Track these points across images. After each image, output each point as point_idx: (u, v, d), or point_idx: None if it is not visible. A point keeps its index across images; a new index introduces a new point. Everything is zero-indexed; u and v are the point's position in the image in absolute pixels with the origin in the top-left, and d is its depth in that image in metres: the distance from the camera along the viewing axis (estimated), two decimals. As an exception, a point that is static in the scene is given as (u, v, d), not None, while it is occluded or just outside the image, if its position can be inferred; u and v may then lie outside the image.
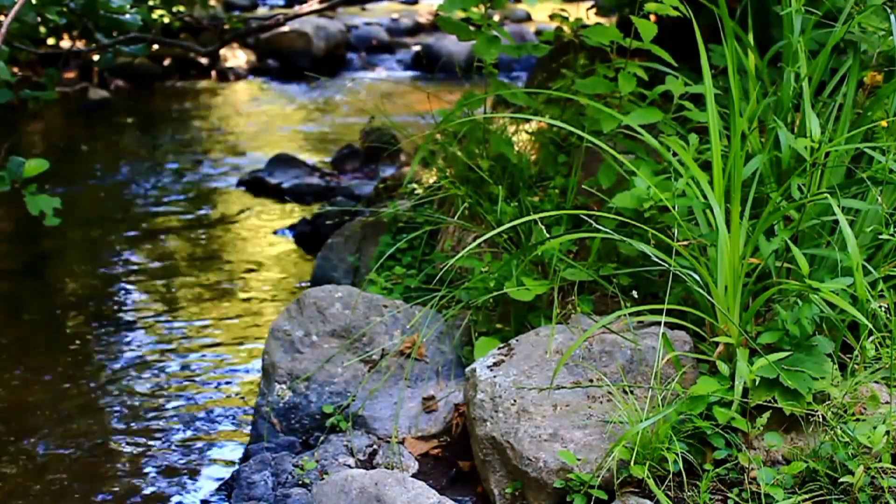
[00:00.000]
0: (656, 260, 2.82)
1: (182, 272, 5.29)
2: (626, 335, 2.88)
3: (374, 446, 3.11)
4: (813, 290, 2.61)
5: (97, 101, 8.90)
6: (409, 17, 12.65)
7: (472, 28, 3.81)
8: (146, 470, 3.46)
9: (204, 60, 10.37)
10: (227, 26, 7.98)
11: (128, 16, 5.26)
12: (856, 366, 2.62)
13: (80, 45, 6.18)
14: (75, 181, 6.78)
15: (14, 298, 4.92)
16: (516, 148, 3.92)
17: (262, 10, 12.44)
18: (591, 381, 2.79)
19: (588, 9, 4.96)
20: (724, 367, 2.62)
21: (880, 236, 2.80)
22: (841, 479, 2.40)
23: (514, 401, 2.75)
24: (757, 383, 2.57)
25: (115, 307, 4.82)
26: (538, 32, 5.96)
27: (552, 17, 4.27)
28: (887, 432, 2.38)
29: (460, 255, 2.98)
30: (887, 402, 2.54)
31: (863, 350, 2.61)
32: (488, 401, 2.79)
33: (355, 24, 11.83)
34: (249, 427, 3.44)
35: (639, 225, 2.95)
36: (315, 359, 3.33)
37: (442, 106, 4.04)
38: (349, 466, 3.03)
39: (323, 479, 2.93)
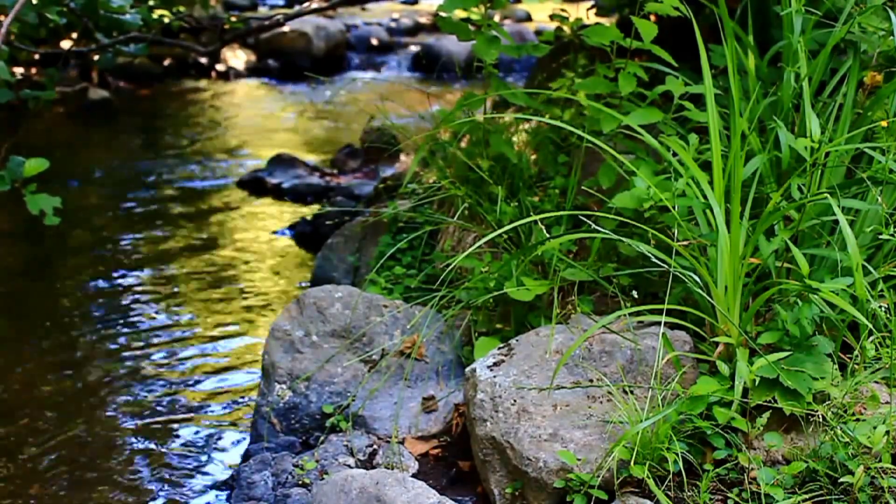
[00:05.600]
0: (656, 260, 2.82)
1: (181, 272, 5.29)
2: (626, 335, 2.88)
3: (374, 446, 3.11)
4: (813, 290, 2.61)
5: (97, 101, 8.90)
6: (409, 17, 12.65)
7: (472, 28, 3.81)
8: (146, 470, 3.46)
9: (204, 60, 10.37)
10: (227, 26, 7.97)
11: (128, 16, 5.26)
12: (856, 366, 2.62)
13: (80, 45, 6.18)
14: (75, 181, 6.78)
15: (14, 298, 4.92)
16: (516, 148, 3.92)
17: (262, 10, 12.44)
18: (591, 381, 2.79)
19: (588, 9, 4.95)
20: (724, 367, 2.62)
21: (880, 236, 2.80)
22: (841, 479, 2.41)
23: (514, 401, 2.75)
24: (757, 383, 2.57)
25: (115, 307, 4.82)
26: (538, 32, 5.96)
27: (552, 17, 4.27)
28: (887, 432, 2.38)
29: (461, 255, 2.98)
30: (887, 402, 2.54)
31: (863, 350, 2.61)
32: (488, 401, 2.79)
33: (355, 24, 11.83)
34: (249, 427, 3.44)
35: (639, 225, 2.95)
36: (315, 359, 3.33)
37: (442, 106, 4.04)
38: (349, 466, 3.03)
39: (323, 479, 2.94)
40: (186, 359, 4.30)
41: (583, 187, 3.44)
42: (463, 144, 3.96)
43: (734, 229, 2.74)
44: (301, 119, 8.91)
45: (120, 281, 5.14)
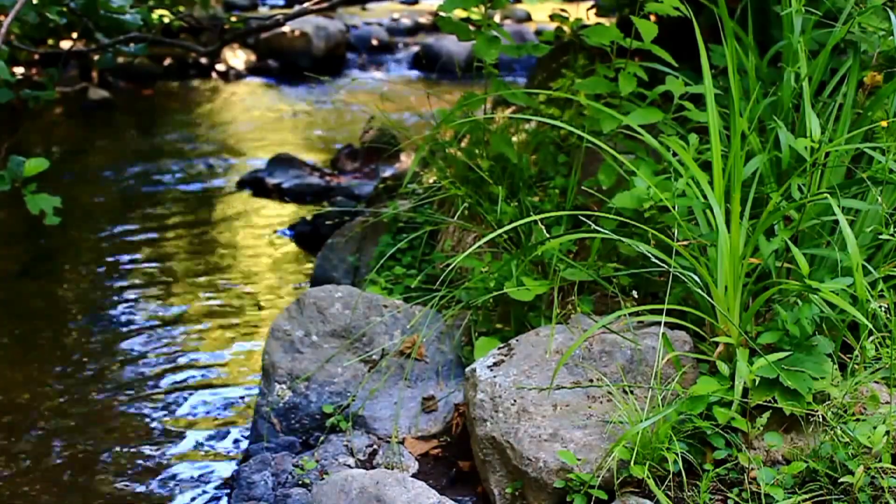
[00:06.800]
0: (656, 260, 2.82)
1: (182, 272, 5.29)
2: (626, 335, 2.88)
3: (374, 446, 3.11)
4: (813, 290, 2.61)
5: (97, 101, 8.90)
6: (409, 17, 12.65)
7: (472, 28, 3.81)
8: (146, 470, 3.46)
9: (204, 60, 10.37)
10: (227, 26, 7.98)
11: (128, 16, 5.26)
12: (856, 366, 2.62)
13: (80, 45, 6.18)
14: (75, 181, 6.78)
15: (14, 298, 4.92)
16: (516, 148, 3.92)
17: (262, 10, 12.44)
18: (591, 381, 2.79)
19: (588, 9, 4.95)
20: (724, 367, 2.62)
21: (880, 236, 2.80)
22: (841, 479, 2.41)
23: (514, 401, 2.75)
24: (757, 383, 2.57)
25: (115, 307, 4.82)
26: (538, 32, 5.96)
27: (552, 17, 4.27)
28: (887, 432, 2.38)
29: (461, 255, 2.98)
30: (887, 402, 2.54)
31: (863, 350, 2.61)
32: (488, 401, 2.79)
33: (355, 24, 11.83)
34: (249, 427, 3.44)
35: (639, 225, 2.95)
36: (315, 359, 3.33)
37: (442, 106, 4.04)
38: (349, 466, 3.03)
39: (323, 479, 2.93)
40: (186, 358, 4.30)
41: (583, 187, 3.44)
42: (463, 144, 3.96)
43: (734, 229, 2.74)
44: (301, 119, 8.91)
45: (119, 281, 5.15)
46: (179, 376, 4.14)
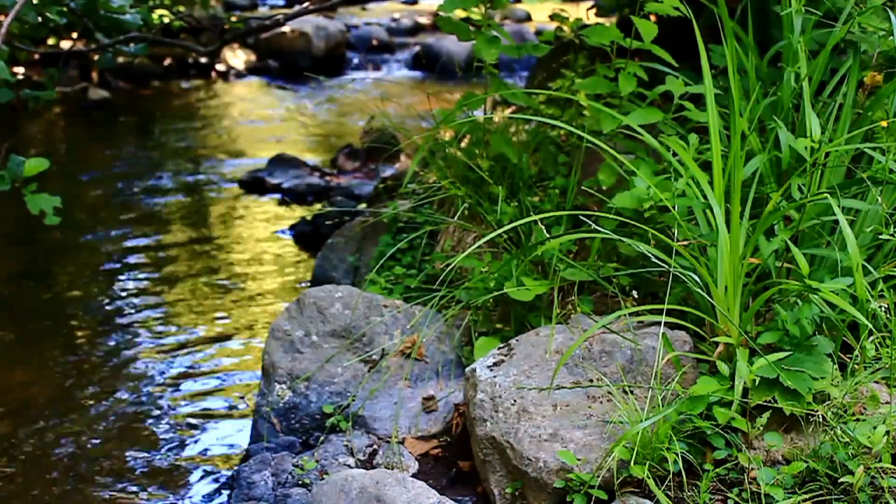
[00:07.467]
0: (656, 260, 2.82)
1: (182, 272, 5.29)
2: (626, 335, 2.88)
3: (374, 446, 3.11)
4: (813, 290, 2.61)
5: (97, 101, 8.90)
6: (409, 17, 12.65)
7: (472, 28, 3.81)
8: (146, 470, 3.46)
9: (204, 60, 10.37)
10: (227, 26, 7.98)
11: (128, 16, 5.26)
12: (856, 366, 2.62)
13: (80, 45, 6.18)
14: (75, 181, 6.78)
15: (14, 298, 4.92)
16: (516, 148, 3.92)
17: (262, 10, 12.44)
18: (591, 381, 2.79)
19: (588, 9, 4.96)
20: (724, 367, 2.62)
21: (880, 236, 2.80)
22: (841, 479, 2.41)
23: (514, 401, 2.75)
24: (757, 383, 2.57)
25: (115, 307, 4.82)
26: (538, 32, 5.96)
27: (552, 17, 4.27)
28: (887, 432, 2.38)
29: (461, 255, 2.98)
30: (887, 402, 2.54)
31: (863, 350, 2.61)
32: (488, 401, 2.79)
33: (355, 24, 11.84)
34: (249, 427, 3.44)
35: (639, 225, 2.95)
36: (315, 359, 3.33)
37: (442, 106, 4.04)
38: (349, 466, 3.03)
39: (323, 479, 2.94)
40: (186, 359, 4.30)
41: (583, 187, 3.44)
42: (463, 144, 3.96)
43: (734, 229, 2.74)
44: (301, 119, 8.91)
45: (119, 281, 5.15)
46: (179, 376, 4.14)
